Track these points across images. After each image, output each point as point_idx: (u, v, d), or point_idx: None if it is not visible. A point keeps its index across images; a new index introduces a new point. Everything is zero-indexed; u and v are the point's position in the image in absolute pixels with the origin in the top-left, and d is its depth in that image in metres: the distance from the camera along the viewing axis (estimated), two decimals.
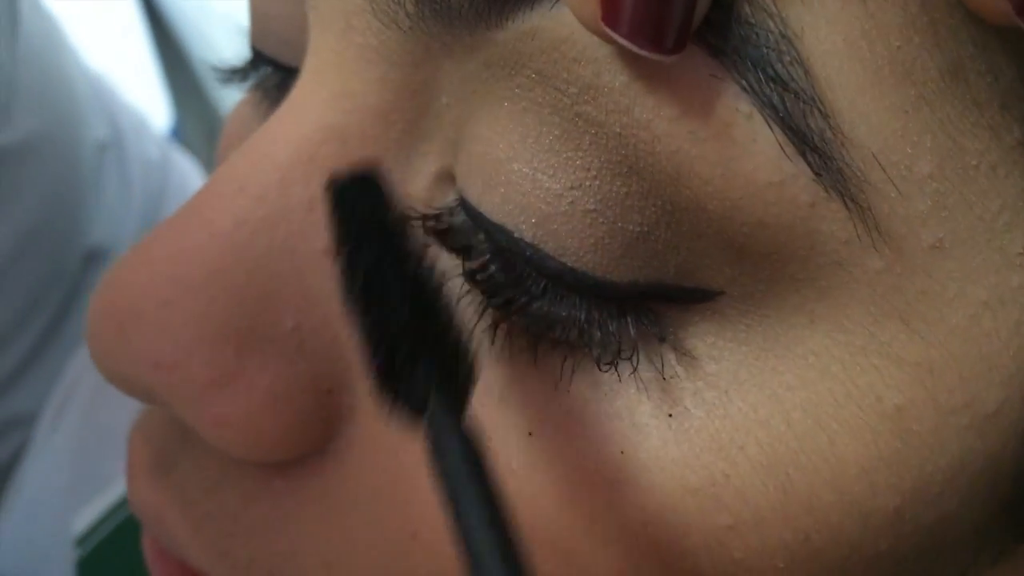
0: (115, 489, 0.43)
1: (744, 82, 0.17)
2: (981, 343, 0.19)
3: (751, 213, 0.18)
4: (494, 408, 0.21)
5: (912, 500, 0.20)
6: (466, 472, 0.16)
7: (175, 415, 0.23)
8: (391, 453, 0.22)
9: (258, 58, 0.28)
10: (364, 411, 0.23)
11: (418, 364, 0.17)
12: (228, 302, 0.22)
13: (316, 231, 0.22)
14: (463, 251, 0.21)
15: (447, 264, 0.21)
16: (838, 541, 0.20)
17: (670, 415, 0.19)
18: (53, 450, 0.45)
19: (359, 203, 0.18)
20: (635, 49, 0.16)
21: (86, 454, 0.44)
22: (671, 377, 0.20)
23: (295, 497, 0.24)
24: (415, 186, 0.22)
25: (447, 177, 0.22)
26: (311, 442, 0.23)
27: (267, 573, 0.24)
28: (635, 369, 0.20)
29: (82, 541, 0.44)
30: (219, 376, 0.22)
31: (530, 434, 0.20)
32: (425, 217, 0.21)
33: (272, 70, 0.27)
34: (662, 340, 0.19)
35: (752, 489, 0.19)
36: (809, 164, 0.17)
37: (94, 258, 0.59)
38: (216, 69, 0.29)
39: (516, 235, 0.20)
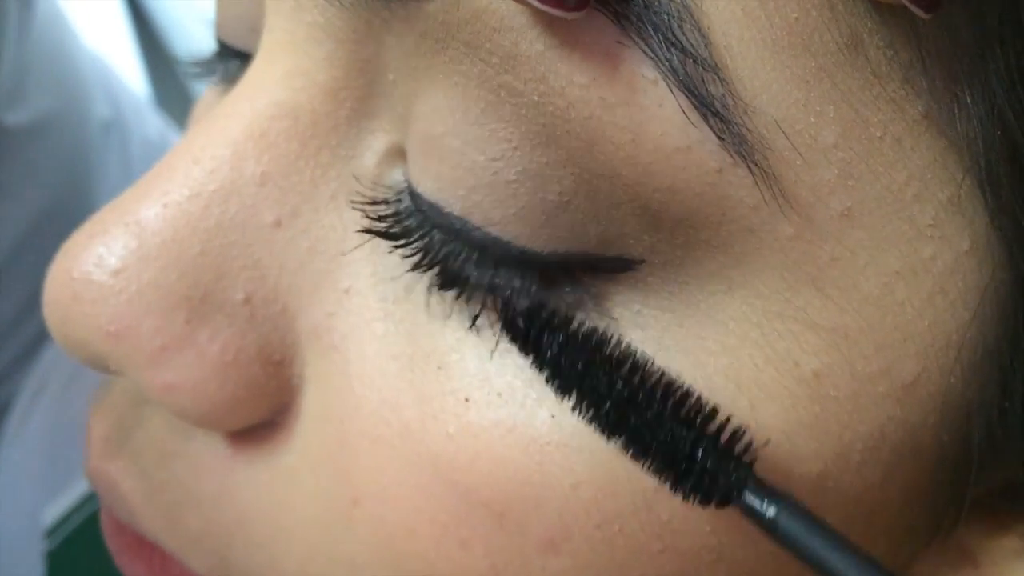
0: (85, 481, 0.44)
1: (648, 48, 0.18)
2: (895, 312, 0.19)
3: (662, 178, 0.18)
4: (432, 375, 0.21)
5: (834, 467, 0.20)
6: (828, 533, 0.19)
7: (130, 383, 0.24)
8: (337, 423, 0.22)
9: (224, 50, 0.28)
10: (311, 382, 0.23)
11: (707, 459, 0.19)
12: (180, 272, 0.22)
13: (267, 205, 0.22)
14: (403, 234, 0.21)
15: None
16: None
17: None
18: (24, 441, 0.45)
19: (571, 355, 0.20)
20: (539, 6, 0.17)
21: (57, 446, 0.45)
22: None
23: (244, 467, 0.24)
24: (365, 162, 0.23)
25: (397, 153, 0.22)
26: (260, 412, 0.23)
27: (217, 543, 0.25)
28: None
29: (52, 533, 0.44)
30: (169, 343, 0.22)
31: (467, 400, 0.21)
32: (373, 202, 0.22)
33: (238, 62, 0.28)
34: (594, 306, 0.20)
35: None
36: (712, 129, 0.18)
37: None
38: (186, 63, 0.30)
39: (447, 210, 0.20)
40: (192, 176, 0.22)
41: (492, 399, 0.21)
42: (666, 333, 0.20)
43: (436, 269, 0.21)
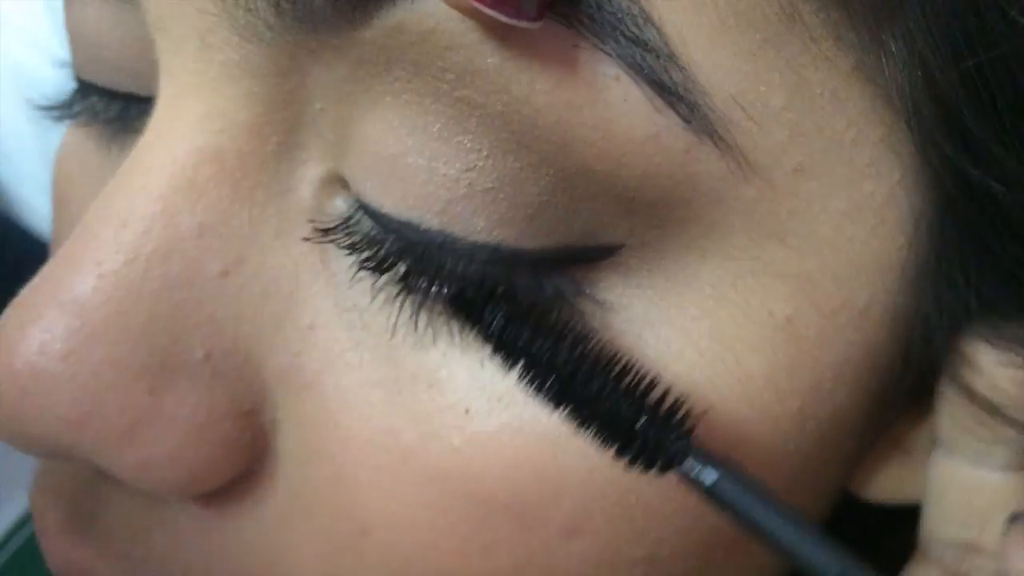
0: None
1: (605, 48, 0.18)
2: (847, 248, 0.21)
3: (635, 167, 0.19)
4: (424, 394, 0.21)
5: (810, 399, 0.22)
6: (757, 494, 0.20)
7: (92, 466, 0.22)
8: (328, 457, 0.22)
9: (88, 89, 0.26)
10: (286, 424, 0.23)
11: (647, 422, 0.20)
12: (132, 343, 0.21)
13: (211, 256, 0.21)
14: (373, 258, 0.21)
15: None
16: (756, 450, 0.22)
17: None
18: None
19: (497, 313, 0.20)
20: (502, 18, 0.17)
21: None
22: (590, 331, 0.21)
23: (229, 524, 0.23)
24: (302, 194, 0.22)
25: (333, 181, 0.22)
26: (239, 466, 0.23)
27: None
28: None
29: None
30: (137, 419, 0.21)
31: (467, 411, 0.21)
32: (327, 231, 0.21)
33: (106, 100, 0.26)
34: (579, 293, 0.21)
35: None
36: (678, 114, 0.19)
37: None
38: (40, 108, 0.28)
39: (424, 227, 0.20)
40: (124, 240, 0.21)
41: (493, 405, 0.21)
42: (651, 309, 0.21)
43: (423, 287, 0.21)
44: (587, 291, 0.21)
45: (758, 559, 0.25)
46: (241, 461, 0.23)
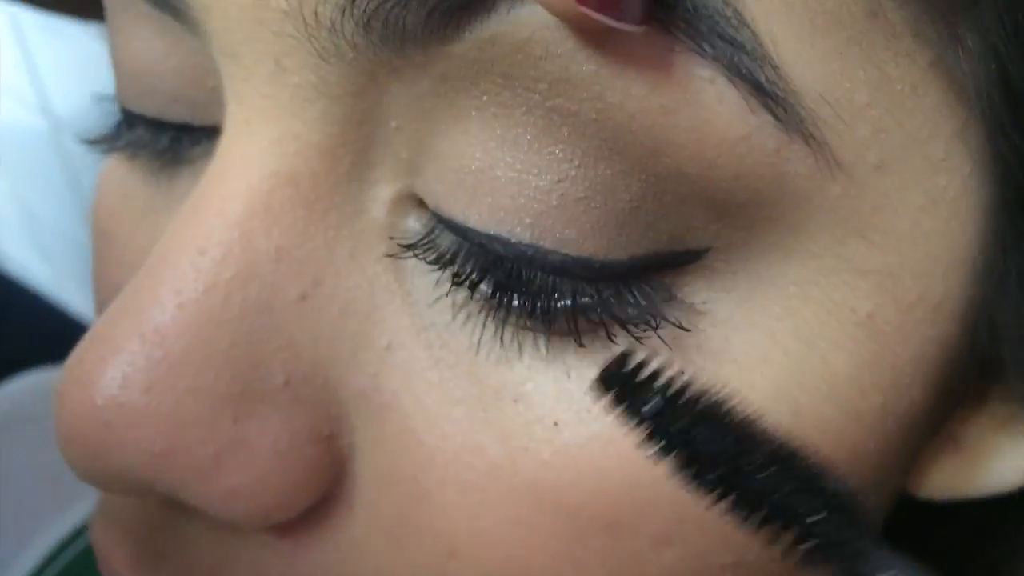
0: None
1: (701, 50, 0.18)
2: (924, 243, 0.21)
3: (727, 169, 0.19)
4: (510, 409, 0.21)
5: (891, 395, 0.22)
6: None
7: (167, 500, 0.22)
8: (410, 478, 0.22)
9: (134, 120, 0.26)
10: (364, 447, 0.23)
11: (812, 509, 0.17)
12: (215, 372, 0.21)
13: (288, 280, 0.21)
14: (460, 273, 0.21)
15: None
16: (842, 448, 0.22)
17: (681, 372, 0.21)
18: None
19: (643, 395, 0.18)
20: (610, 22, 0.17)
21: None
22: (675, 337, 0.21)
23: (309, 551, 0.23)
24: (374, 215, 0.22)
25: (407, 199, 0.22)
26: (319, 492, 0.22)
27: None
28: (640, 339, 0.21)
29: None
30: (222, 449, 0.21)
31: (556, 424, 0.21)
32: (412, 247, 0.21)
33: (154, 131, 0.26)
34: (669, 300, 0.21)
35: (768, 421, 0.21)
36: (772, 113, 0.19)
37: None
38: (91, 141, 0.27)
39: (514, 240, 0.20)
40: (202, 268, 0.21)
41: (582, 416, 0.21)
42: (736, 312, 0.21)
43: (509, 302, 0.20)
44: (676, 295, 0.21)
45: None
46: (321, 487, 0.22)
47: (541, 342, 0.21)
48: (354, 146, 0.21)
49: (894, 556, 0.18)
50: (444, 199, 0.21)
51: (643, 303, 0.20)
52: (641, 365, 0.18)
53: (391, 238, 0.22)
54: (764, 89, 0.18)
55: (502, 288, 0.20)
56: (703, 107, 0.18)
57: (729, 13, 0.18)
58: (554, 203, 0.20)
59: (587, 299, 0.20)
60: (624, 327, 0.20)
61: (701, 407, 0.18)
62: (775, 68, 0.18)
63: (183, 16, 0.22)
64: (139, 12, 0.24)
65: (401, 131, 0.21)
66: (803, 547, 0.18)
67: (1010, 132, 0.21)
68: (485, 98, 0.19)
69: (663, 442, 0.18)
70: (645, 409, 0.18)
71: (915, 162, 0.20)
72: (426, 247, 0.21)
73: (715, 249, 0.20)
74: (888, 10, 0.19)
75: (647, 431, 0.18)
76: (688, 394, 0.18)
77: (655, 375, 0.18)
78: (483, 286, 0.21)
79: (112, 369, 0.20)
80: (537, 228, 0.20)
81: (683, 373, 0.18)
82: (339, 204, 0.22)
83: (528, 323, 0.21)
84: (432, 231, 0.21)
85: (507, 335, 0.21)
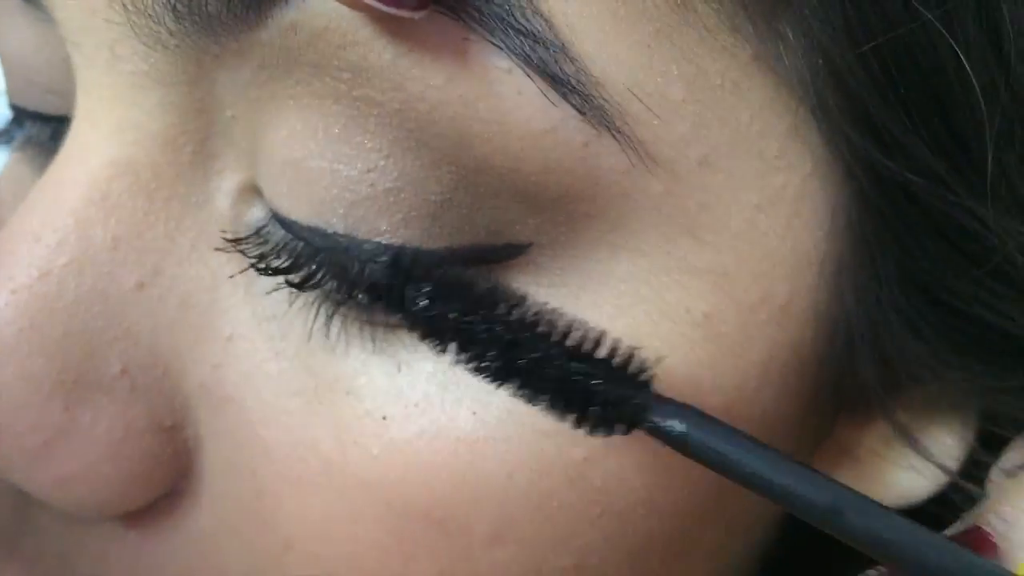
0: None
1: (495, 40, 0.18)
2: (762, 242, 0.21)
3: (534, 162, 0.19)
4: (343, 402, 0.21)
5: (735, 398, 0.21)
6: (737, 437, 0.19)
7: (10, 486, 0.22)
8: (250, 472, 0.22)
9: (21, 115, 0.27)
10: (209, 440, 0.22)
11: (602, 382, 0.19)
12: (46, 358, 0.21)
13: (125, 269, 0.21)
14: (290, 268, 0.21)
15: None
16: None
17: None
18: None
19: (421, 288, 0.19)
20: (383, 8, 0.17)
21: None
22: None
23: (156, 544, 0.23)
24: (218, 205, 0.22)
25: (250, 190, 0.22)
26: (161, 484, 0.22)
27: None
28: None
29: None
30: (51, 436, 0.21)
31: (384, 418, 0.21)
32: (238, 241, 0.21)
33: (39, 125, 0.26)
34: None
35: None
36: (573, 106, 0.18)
37: None
38: None
39: (330, 231, 0.20)
40: (36, 254, 0.21)
41: (410, 411, 0.21)
42: (565, 308, 0.21)
43: (330, 294, 0.20)
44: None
45: (700, 567, 0.24)
46: (163, 478, 0.22)
47: (369, 334, 0.21)
48: (195, 135, 0.21)
49: (676, 403, 0.19)
50: (272, 190, 0.21)
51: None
52: (413, 264, 0.19)
53: (222, 232, 0.22)
54: (562, 81, 0.18)
55: (325, 278, 0.20)
56: (502, 98, 0.18)
57: (523, 3, 0.18)
58: (364, 193, 0.19)
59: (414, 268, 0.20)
60: None
61: (466, 297, 0.19)
62: (572, 60, 0.18)
63: (40, 6, 0.22)
64: (14, 5, 0.25)
65: (237, 120, 0.21)
66: (591, 410, 0.19)
67: (847, 130, 0.20)
68: (299, 88, 0.19)
69: (438, 335, 0.19)
70: (416, 308, 0.19)
71: (746, 159, 0.20)
72: (257, 240, 0.21)
73: (538, 245, 0.20)
74: (698, 3, 0.19)
75: (423, 327, 0.19)
76: (457, 286, 0.19)
77: (419, 273, 0.19)
78: (308, 275, 0.20)
79: None
80: (350, 218, 0.20)
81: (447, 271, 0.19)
82: (182, 194, 0.22)
83: (353, 313, 0.21)
84: (266, 224, 0.21)
85: (335, 326, 0.21)
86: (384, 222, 0.20)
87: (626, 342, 0.21)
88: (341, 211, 0.20)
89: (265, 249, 0.21)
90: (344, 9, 0.18)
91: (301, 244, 0.20)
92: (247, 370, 0.22)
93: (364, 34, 0.18)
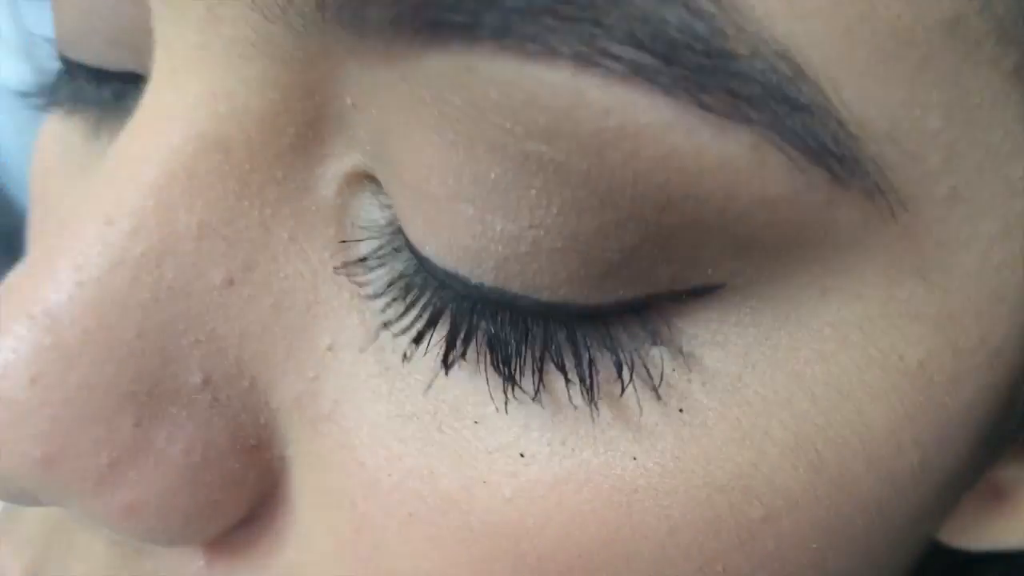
0: None
1: (741, 116, 0.15)
2: (992, 278, 0.17)
3: (756, 220, 0.16)
4: (468, 431, 0.18)
5: (932, 451, 0.18)
6: None
7: (70, 511, 0.19)
8: (348, 505, 0.18)
9: (73, 69, 0.23)
10: (299, 462, 0.19)
11: None
12: (116, 364, 0.17)
13: (212, 261, 0.18)
14: (414, 300, 0.18)
15: None
16: (867, 509, 0.18)
17: (681, 410, 0.17)
18: None
19: None
20: None
21: None
22: (673, 372, 0.17)
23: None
24: (322, 193, 0.18)
25: (361, 178, 0.18)
26: (241, 510, 0.19)
27: None
28: (632, 377, 0.17)
29: None
30: (119, 456, 0.18)
31: (522, 455, 0.17)
32: (363, 262, 0.18)
33: (93, 82, 0.23)
34: (654, 343, 0.17)
35: (783, 474, 0.17)
36: (827, 169, 0.15)
37: None
38: (29, 94, 0.24)
39: (475, 282, 0.17)
40: (109, 241, 0.17)
41: (556, 449, 0.17)
42: (752, 349, 0.17)
43: (462, 336, 0.17)
44: (668, 330, 0.17)
45: None
46: (245, 505, 0.19)
47: (499, 374, 0.17)
48: (300, 116, 0.18)
49: None
50: (401, 213, 0.17)
51: (624, 340, 0.17)
52: None
53: (341, 242, 0.18)
54: (816, 148, 0.15)
55: (459, 326, 0.17)
56: (738, 171, 0.15)
57: (785, 68, 0.14)
58: (523, 250, 0.16)
59: (554, 340, 0.17)
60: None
61: None
62: (840, 123, 0.15)
63: None
64: None
65: (358, 110, 0.17)
66: None
67: None
68: (446, 123, 0.16)
69: None
70: None
71: (991, 185, 0.17)
72: (378, 259, 0.18)
73: (732, 286, 0.17)
74: (971, 14, 0.15)
75: None
76: None
77: None
78: (439, 318, 0.17)
79: None
80: (502, 273, 0.16)
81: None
82: (280, 179, 0.18)
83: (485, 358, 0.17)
84: (382, 246, 0.18)
85: (470, 350, 0.17)
86: (544, 280, 0.16)
87: (823, 391, 0.17)
88: (491, 264, 0.16)
89: (392, 277, 0.18)
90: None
91: (435, 284, 0.17)
92: (350, 386, 0.18)
93: (565, 101, 0.14)
